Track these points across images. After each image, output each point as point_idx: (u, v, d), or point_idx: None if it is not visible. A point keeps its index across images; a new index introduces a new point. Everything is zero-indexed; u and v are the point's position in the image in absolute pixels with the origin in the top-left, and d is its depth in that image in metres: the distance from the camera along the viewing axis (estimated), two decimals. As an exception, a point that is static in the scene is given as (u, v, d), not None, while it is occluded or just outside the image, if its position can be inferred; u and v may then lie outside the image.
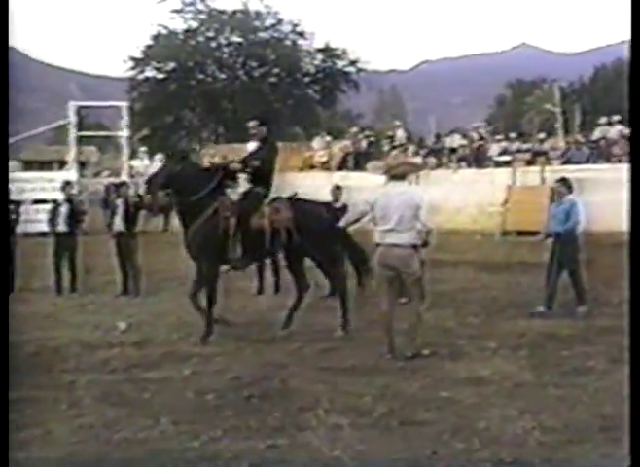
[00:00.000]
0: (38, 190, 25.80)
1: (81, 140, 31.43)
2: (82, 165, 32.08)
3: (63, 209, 16.31)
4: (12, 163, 35.56)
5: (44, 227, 17.73)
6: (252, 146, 12.29)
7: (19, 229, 17.20)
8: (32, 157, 45.80)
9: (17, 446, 7.03)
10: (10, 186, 17.78)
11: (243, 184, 11.72)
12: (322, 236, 11.60)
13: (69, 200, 16.46)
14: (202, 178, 11.61)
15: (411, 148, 31.66)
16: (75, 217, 16.39)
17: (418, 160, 29.52)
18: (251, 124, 11.82)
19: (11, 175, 28.38)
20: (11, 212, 16.80)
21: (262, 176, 11.71)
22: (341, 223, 11.02)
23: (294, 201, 11.82)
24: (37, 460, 6.74)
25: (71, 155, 30.95)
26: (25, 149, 47.80)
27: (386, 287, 10.08)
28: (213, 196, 11.45)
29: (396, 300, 10.36)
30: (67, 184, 17.41)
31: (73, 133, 30.53)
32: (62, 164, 34.97)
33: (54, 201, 17.14)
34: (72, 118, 30.59)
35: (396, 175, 10.28)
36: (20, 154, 44.99)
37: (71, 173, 28.37)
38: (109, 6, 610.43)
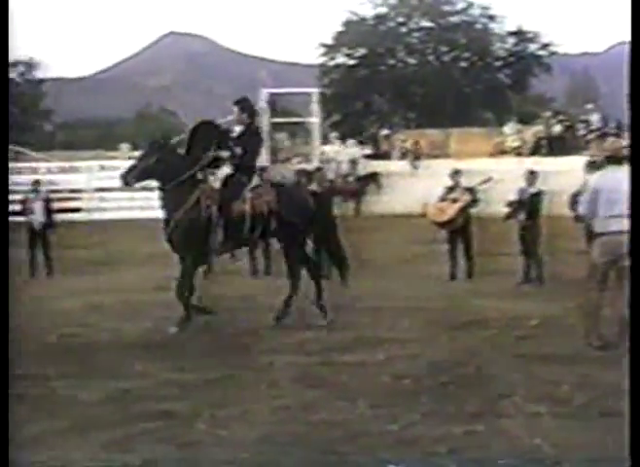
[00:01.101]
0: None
1: (272, 126, 31.87)
2: (273, 151, 32.47)
3: (259, 194, 16.58)
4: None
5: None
6: (236, 132, 11.79)
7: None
8: (226, 143, 46.89)
9: (219, 424, 7.25)
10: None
11: (226, 171, 11.45)
12: (305, 222, 11.46)
13: (263, 186, 16.72)
14: (182, 165, 11.39)
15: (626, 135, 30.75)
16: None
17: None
18: (235, 109, 11.58)
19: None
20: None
21: (244, 163, 11.46)
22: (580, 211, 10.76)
23: (278, 187, 11.66)
24: (237, 438, 6.89)
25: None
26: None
27: (601, 276, 9.84)
28: (195, 183, 11.31)
29: (605, 288, 10.09)
30: (261, 170, 17.72)
31: (265, 120, 30.99)
32: (255, 150, 35.57)
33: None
34: (264, 104, 31.06)
35: (615, 160, 10.09)
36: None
37: (263, 159, 28.84)
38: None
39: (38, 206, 17.61)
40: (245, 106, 11.69)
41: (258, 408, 7.68)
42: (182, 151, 11.70)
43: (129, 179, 11.48)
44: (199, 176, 11.43)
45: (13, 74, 59.41)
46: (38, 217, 17.55)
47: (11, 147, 33.29)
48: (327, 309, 11.55)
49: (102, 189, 29.51)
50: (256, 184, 11.44)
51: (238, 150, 11.45)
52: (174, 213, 11.17)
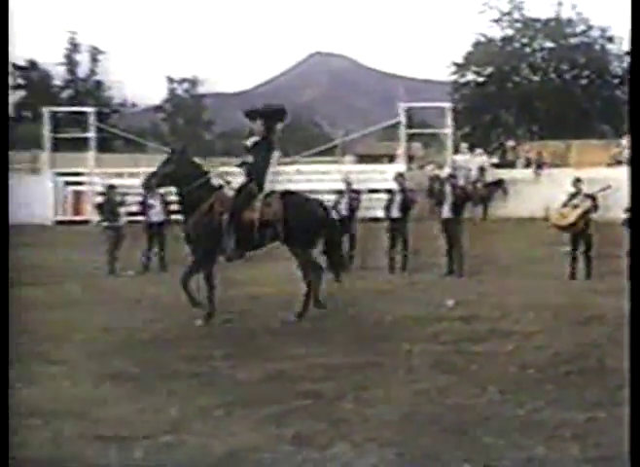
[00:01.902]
0: (371, 181, 26.36)
1: (409, 137, 31.82)
2: (409, 159, 32.44)
3: (397, 198, 16.66)
4: (349, 158, 36.83)
5: (377, 213, 18.21)
6: (250, 142, 11.55)
7: (359, 215, 17.72)
8: (366, 151, 47.03)
9: (363, 404, 7.34)
10: (349, 177, 18.42)
11: (239, 179, 11.38)
12: (309, 231, 11.20)
13: (402, 190, 16.82)
14: (195, 173, 11.34)
15: None
16: (407, 205, 16.69)
17: None
18: (258, 120, 11.38)
19: (349, 167, 29.43)
20: (352, 199, 17.41)
21: (255, 171, 11.25)
22: None
23: (287, 196, 11.33)
24: (380, 418, 6.96)
25: (400, 150, 31.47)
26: (360, 144, 49.31)
27: None
28: (210, 190, 11.23)
29: None
30: (400, 175, 17.78)
31: (402, 131, 30.96)
32: (391, 158, 35.57)
33: (389, 191, 17.47)
34: (402, 117, 31.03)
35: None
36: (356, 149, 46.37)
37: (400, 166, 28.85)
38: (432, 17, 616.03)
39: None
40: (267, 120, 11.53)
41: (398, 390, 7.74)
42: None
43: (151, 185, 11.66)
44: (215, 183, 11.43)
45: (179, 90, 61.19)
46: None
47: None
48: (306, 312, 11.26)
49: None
50: (267, 192, 11.27)
51: (249, 158, 11.41)
52: (190, 216, 11.20)
